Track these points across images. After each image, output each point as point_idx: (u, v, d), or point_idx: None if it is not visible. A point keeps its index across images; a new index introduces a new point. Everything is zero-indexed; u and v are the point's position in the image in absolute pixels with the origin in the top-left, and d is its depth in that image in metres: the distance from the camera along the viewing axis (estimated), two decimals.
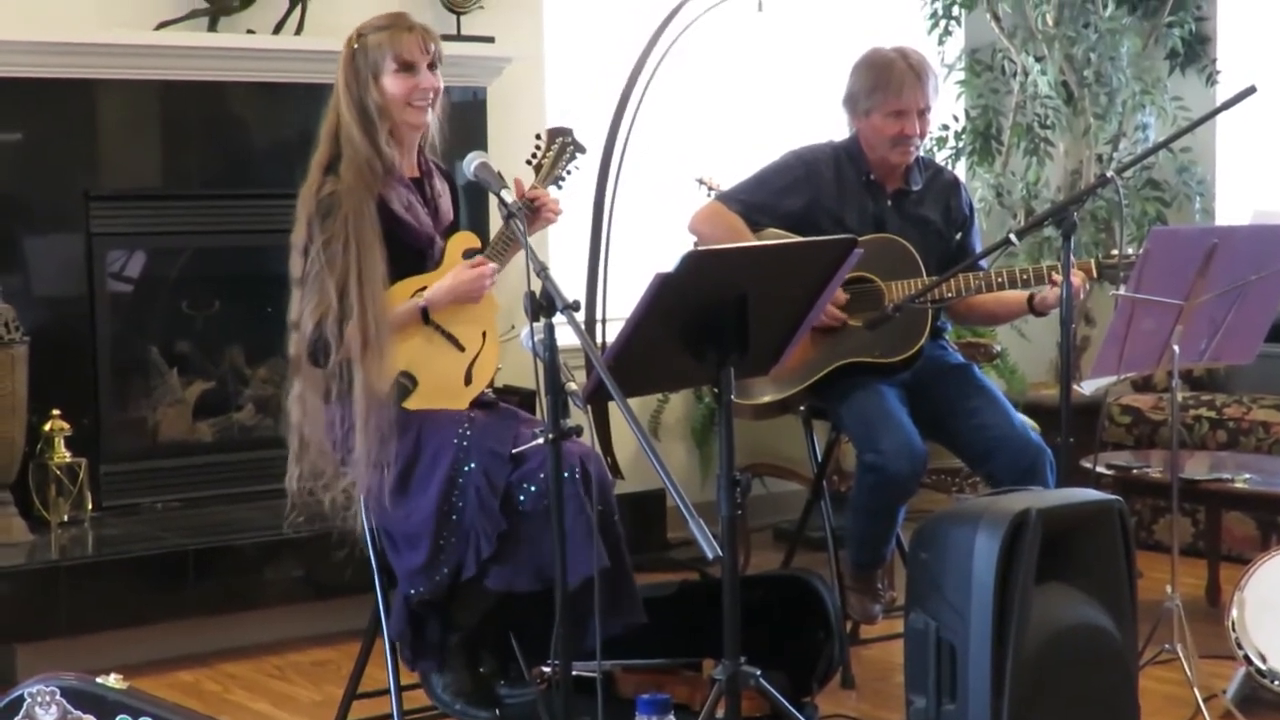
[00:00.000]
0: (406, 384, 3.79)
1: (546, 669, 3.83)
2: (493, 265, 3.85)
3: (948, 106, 6.86)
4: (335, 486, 3.80)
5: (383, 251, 3.73)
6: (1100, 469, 4.97)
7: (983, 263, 4.44)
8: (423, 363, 3.83)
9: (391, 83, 3.78)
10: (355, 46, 3.81)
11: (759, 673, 3.32)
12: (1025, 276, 4.29)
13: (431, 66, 3.84)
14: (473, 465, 3.69)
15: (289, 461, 3.84)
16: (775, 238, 4.39)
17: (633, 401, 3.01)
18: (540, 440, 3.18)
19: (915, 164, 4.53)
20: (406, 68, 3.79)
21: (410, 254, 3.86)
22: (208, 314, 5.69)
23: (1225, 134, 7.07)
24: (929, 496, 5.83)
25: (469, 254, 3.91)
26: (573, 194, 4.12)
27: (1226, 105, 4.16)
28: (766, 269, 3.34)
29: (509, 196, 3.45)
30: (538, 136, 4.00)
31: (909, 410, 4.33)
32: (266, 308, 5.38)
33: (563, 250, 6.07)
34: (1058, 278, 4.11)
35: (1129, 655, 3.63)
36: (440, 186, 4.00)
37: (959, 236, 4.56)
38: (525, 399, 5.29)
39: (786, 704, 3.43)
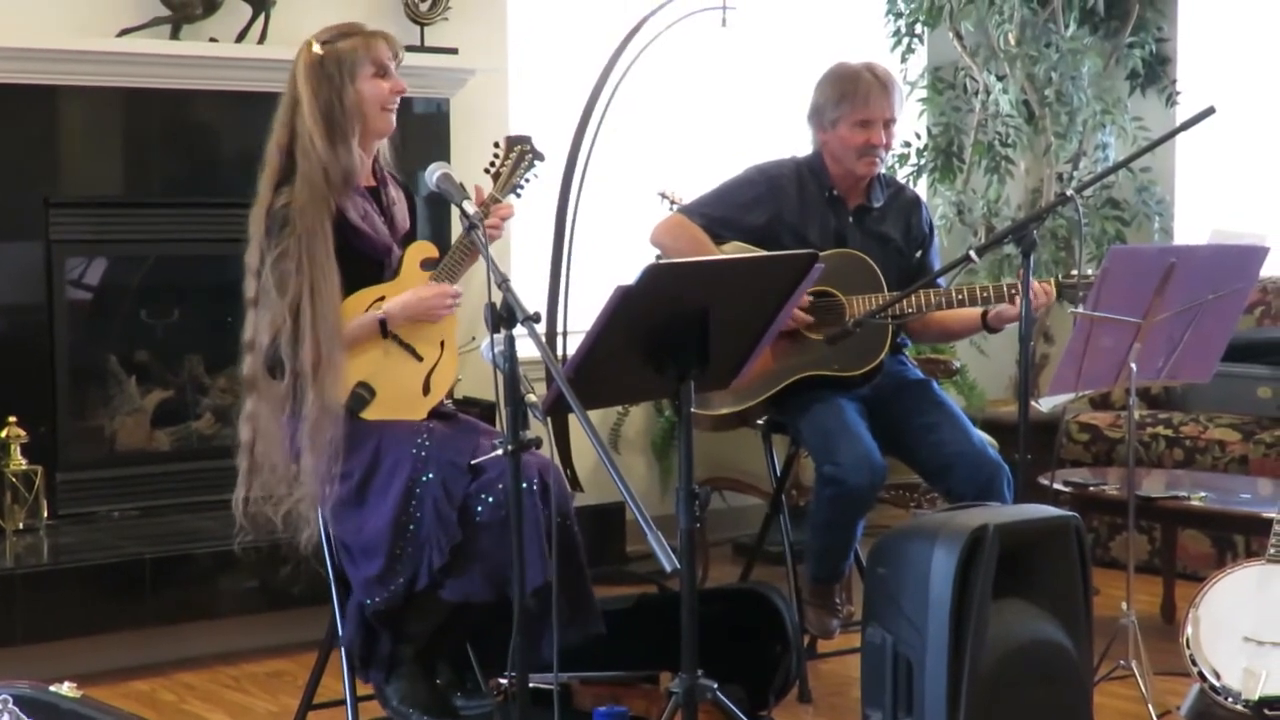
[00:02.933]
0: (364, 394, 3.78)
1: (503, 680, 3.82)
2: (457, 288, 3.85)
3: (910, 124, 6.89)
4: (286, 504, 3.79)
5: (335, 269, 3.72)
6: (1058, 486, 4.99)
7: (942, 280, 4.45)
8: (381, 373, 3.82)
9: (369, 86, 3.80)
10: (321, 53, 3.80)
11: (716, 686, 3.32)
12: (985, 294, 4.31)
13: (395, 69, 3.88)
14: (430, 476, 3.68)
15: (239, 480, 3.83)
16: (738, 251, 4.40)
17: (592, 414, 3.01)
18: (499, 451, 3.18)
19: (877, 181, 4.54)
20: (382, 71, 3.82)
21: (367, 263, 3.85)
22: (167, 322, 5.67)
23: (1184, 154, 7.12)
24: (887, 512, 5.84)
25: (427, 264, 3.91)
26: (535, 205, 4.13)
27: (1186, 126, 4.19)
28: (728, 283, 3.34)
29: (471, 208, 3.44)
30: (496, 145, 4.01)
31: (868, 425, 4.34)
32: (226, 317, 5.34)
33: (524, 262, 6.07)
34: (1018, 296, 4.13)
35: (1084, 671, 3.64)
36: (395, 195, 4.00)
37: (919, 254, 4.57)
38: (485, 410, 5.28)
39: (743, 717, 3.43)
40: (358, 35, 3.83)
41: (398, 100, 3.87)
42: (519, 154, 3.97)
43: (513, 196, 3.98)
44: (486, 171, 3.97)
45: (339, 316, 3.72)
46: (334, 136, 3.77)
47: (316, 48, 3.81)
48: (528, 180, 4.00)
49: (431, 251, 3.95)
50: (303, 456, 3.70)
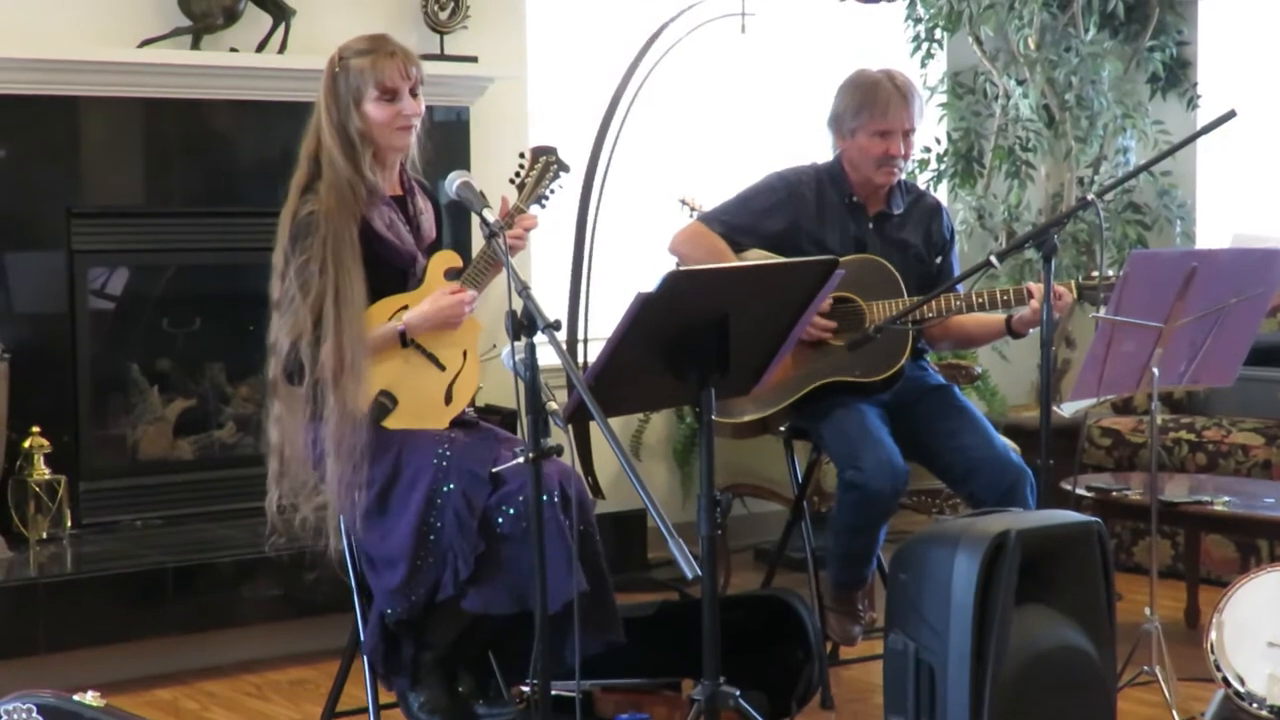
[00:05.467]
0: (386, 403, 3.79)
1: (525, 688, 3.83)
2: (472, 292, 3.85)
3: (930, 129, 6.88)
4: (308, 504, 3.80)
5: (361, 274, 3.73)
6: (1080, 491, 4.98)
7: (961, 285, 4.45)
8: (403, 382, 3.83)
9: (374, 109, 3.79)
10: (337, 70, 3.81)
11: (738, 693, 3.32)
12: (1005, 297, 4.30)
13: (413, 91, 3.84)
14: (452, 486, 3.68)
15: (268, 483, 3.84)
16: (757, 258, 4.40)
17: (614, 421, 3.01)
18: (521, 460, 3.18)
19: (897, 187, 4.54)
20: (388, 94, 3.79)
21: (392, 272, 3.86)
22: (189, 331, 5.68)
23: (1206, 158, 7.10)
24: (909, 517, 5.84)
25: (450, 273, 3.91)
26: (555, 213, 4.13)
27: (1207, 129, 4.18)
28: (748, 289, 3.34)
29: (491, 216, 3.45)
30: (521, 155, 4.01)
31: (890, 430, 4.33)
32: (248, 326, 5.36)
33: (545, 269, 6.07)
34: (1036, 294, 4.13)
35: (1108, 677, 3.63)
36: (422, 204, 4.00)
37: (939, 260, 4.57)
38: (506, 418, 5.28)
39: None
40: (370, 55, 3.79)
41: (413, 120, 3.85)
42: (544, 165, 3.97)
43: (537, 207, 3.98)
44: (511, 181, 3.97)
45: (363, 321, 3.73)
46: (349, 153, 3.79)
47: (336, 64, 3.82)
48: (553, 191, 4.00)
49: (455, 261, 3.95)
50: (327, 461, 3.70)
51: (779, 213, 4.47)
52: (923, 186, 5.34)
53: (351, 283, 3.70)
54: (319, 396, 3.71)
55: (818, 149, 4.69)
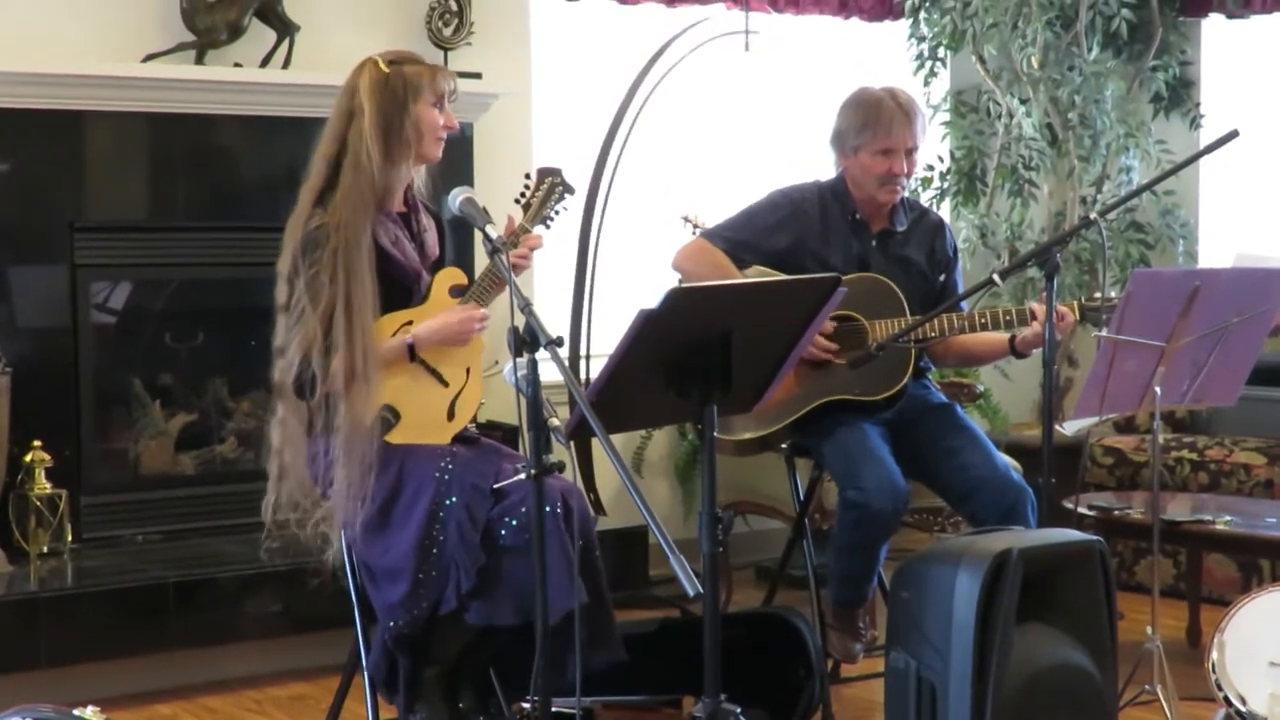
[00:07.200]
0: (389, 418, 3.79)
1: (526, 705, 3.82)
2: (484, 311, 3.87)
3: (933, 147, 6.89)
4: (311, 520, 3.80)
5: (373, 282, 3.74)
6: (1082, 510, 4.98)
7: (964, 304, 4.45)
8: (406, 397, 3.83)
9: (426, 112, 3.83)
10: (386, 71, 3.82)
11: (739, 710, 3.31)
12: (1008, 317, 4.30)
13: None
14: (454, 499, 3.69)
15: (268, 486, 3.84)
16: (760, 275, 4.40)
17: (616, 438, 3.01)
18: (522, 476, 3.18)
19: (900, 204, 4.54)
20: (439, 103, 3.85)
21: (396, 288, 3.86)
22: (191, 346, 5.68)
23: (1208, 177, 7.11)
24: (910, 535, 5.83)
25: (455, 290, 3.92)
26: (558, 230, 4.15)
27: (1210, 149, 4.18)
28: (751, 307, 3.34)
29: (494, 232, 3.46)
30: (527, 176, 4.03)
31: (891, 449, 4.33)
32: (250, 340, 5.38)
33: (547, 286, 6.08)
34: (1039, 315, 4.13)
35: (1109, 696, 3.63)
36: (426, 222, 4.02)
37: (942, 277, 4.57)
38: (508, 434, 5.28)
39: None
40: (423, 64, 3.88)
41: (446, 134, 3.90)
42: (550, 186, 4.00)
43: (541, 227, 4.00)
44: (517, 202, 4.00)
45: (374, 330, 3.73)
46: (389, 153, 3.80)
47: (384, 65, 3.84)
48: (558, 212, 4.03)
49: (460, 278, 3.96)
50: (336, 469, 3.70)
51: (783, 230, 4.47)
52: (926, 204, 5.33)
53: (364, 291, 3.71)
54: (330, 407, 3.71)
55: (821, 166, 4.69)
